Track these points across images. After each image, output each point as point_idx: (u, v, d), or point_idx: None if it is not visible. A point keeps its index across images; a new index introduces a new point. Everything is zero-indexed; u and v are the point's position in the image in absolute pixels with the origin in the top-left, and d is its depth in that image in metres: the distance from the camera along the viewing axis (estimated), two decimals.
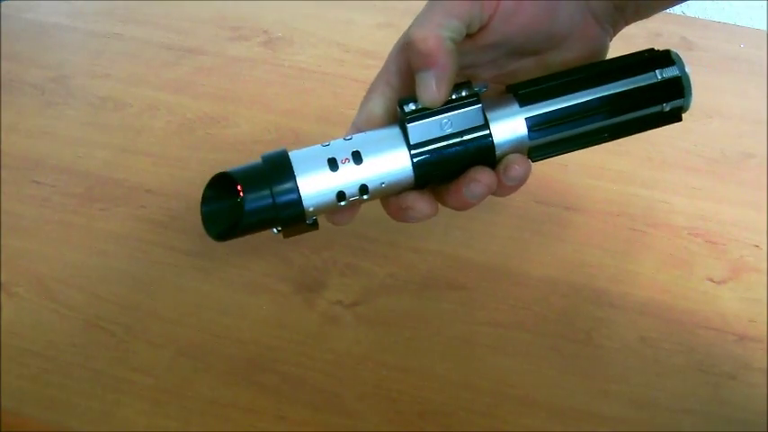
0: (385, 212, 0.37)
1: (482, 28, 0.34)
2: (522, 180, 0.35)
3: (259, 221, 0.34)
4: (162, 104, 0.60)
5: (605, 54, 0.38)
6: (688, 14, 0.84)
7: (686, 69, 0.36)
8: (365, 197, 0.35)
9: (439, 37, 0.32)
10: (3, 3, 0.73)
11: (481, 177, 0.34)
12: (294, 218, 0.34)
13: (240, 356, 0.42)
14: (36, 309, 0.44)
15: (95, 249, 0.47)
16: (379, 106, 0.36)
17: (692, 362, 0.42)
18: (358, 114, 0.36)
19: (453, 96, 0.34)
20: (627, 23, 0.38)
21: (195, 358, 0.41)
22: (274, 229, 0.35)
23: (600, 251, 0.49)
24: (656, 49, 0.37)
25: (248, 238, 0.48)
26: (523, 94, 0.35)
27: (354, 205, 0.36)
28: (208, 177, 0.52)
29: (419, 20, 0.33)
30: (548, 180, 0.54)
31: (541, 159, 0.37)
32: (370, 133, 0.35)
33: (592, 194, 0.53)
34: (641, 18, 0.38)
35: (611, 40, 0.38)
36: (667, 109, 0.37)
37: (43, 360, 0.41)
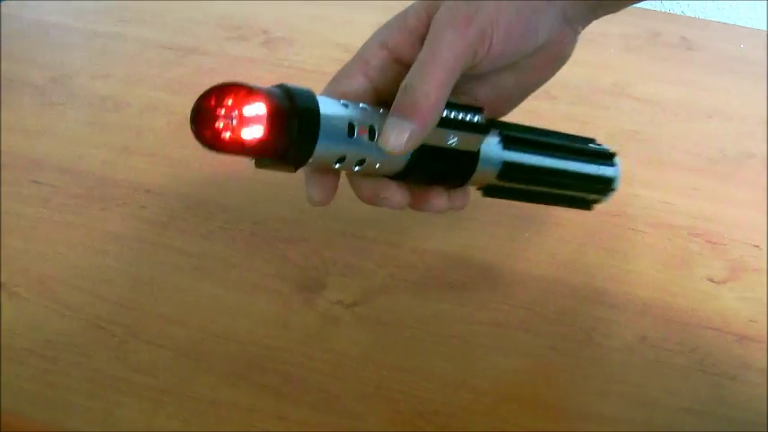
0: (382, 211, 0.37)
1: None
2: (461, 209, 0.39)
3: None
4: (162, 104, 0.60)
5: (572, 50, 0.39)
6: (688, 14, 0.84)
7: (618, 175, 0.42)
8: (356, 169, 0.34)
9: (439, 98, 0.32)
10: (3, 3, 0.73)
11: (437, 203, 0.37)
12: (303, 155, 0.32)
13: (240, 356, 0.42)
14: (36, 309, 0.44)
15: (95, 249, 0.47)
16: (353, 96, 0.35)
17: (693, 362, 0.42)
18: (328, 92, 0.35)
19: (468, 118, 0.35)
20: (597, 18, 0.39)
21: (195, 358, 0.41)
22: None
23: (600, 251, 0.49)
24: (604, 148, 0.43)
25: (249, 238, 0.48)
26: (509, 138, 0.38)
27: (337, 174, 0.35)
28: (208, 177, 0.53)
29: (422, 67, 0.32)
30: None
31: (490, 197, 0.40)
32: (384, 112, 0.34)
33: None
34: (612, 12, 0.39)
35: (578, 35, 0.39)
36: (590, 198, 0.43)
37: (43, 360, 0.41)
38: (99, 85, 0.63)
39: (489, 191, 0.40)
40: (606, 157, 0.42)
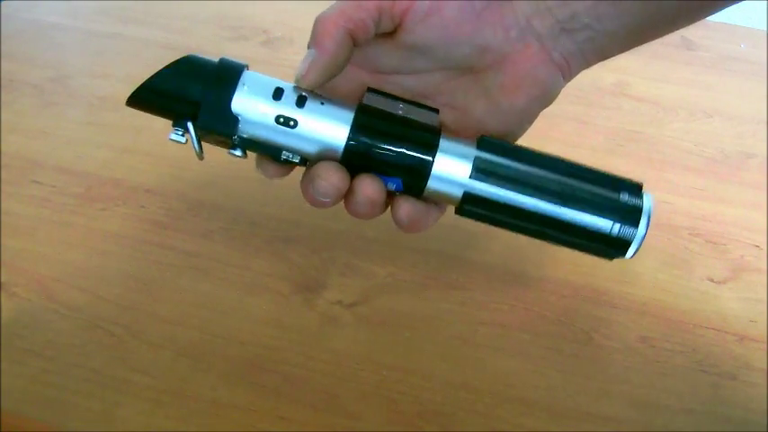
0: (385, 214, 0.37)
1: (399, 27, 0.33)
2: (405, 224, 0.34)
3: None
4: None
5: (553, 90, 0.35)
6: None
7: (643, 233, 0.33)
8: (296, 158, 0.33)
9: (336, 24, 0.32)
10: (3, 3, 0.72)
11: (367, 189, 0.33)
12: (221, 115, 0.32)
13: (240, 356, 0.42)
14: (36, 309, 0.44)
15: (95, 249, 0.47)
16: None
17: (693, 362, 0.42)
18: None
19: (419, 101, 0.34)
20: (587, 60, 0.35)
21: (195, 358, 0.41)
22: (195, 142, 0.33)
23: None
24: (633, 193, 0.34)
25: (249, 238, 0.48)
26: (482, 166, 0.33)
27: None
28: (208, 177, 0.53)
29: (333, 5, 0.33)
30: None
31: (467, 217, 0.35)
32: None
33: None
34: (606, 57, 0.35)
35: (566, 77, 0.35)
36: (604, 252, 0.35)
37: (43, 360, 0.41)
38: (98, 84, 0.63)
39: (459, 212, 0.35)
40: (628, 216, 0.33)
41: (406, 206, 0.34)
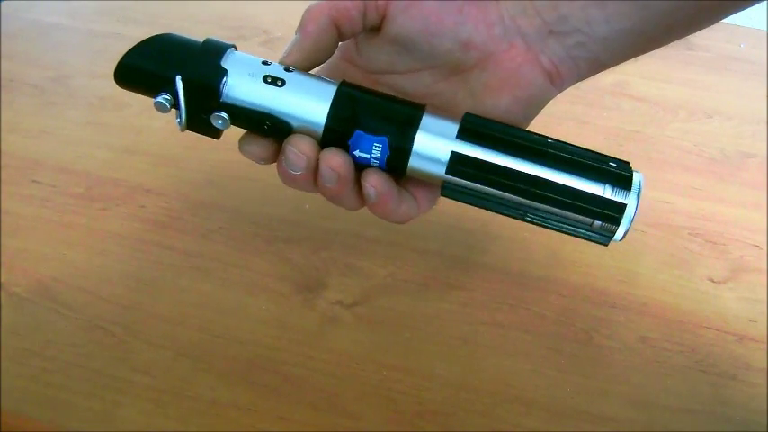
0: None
1: (383, 19, 0.34)
2: (373, 200, 0.33)
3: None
4: None
5: (540, 95, 0.35)
6: None
7: (635, 202, 0.32)
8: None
9: (321, 11, 0.33)
10: (3, 3, 0.73)
11: (333, 160, 0.33)
12: (211, 79, 0.32)
13: (240, 356, 0.42)
14: (36, 309, 0.44)
15: (95, 249, 0.47)
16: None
17: (693, 362, 0.43)
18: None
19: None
20: (579, 68, 0.34)
21: (195, 358, 0.41)
22: (182, 118, 0.34)
23: (600, 251, 0.49)
24: (623, 166, 0.33)
25: (249, 238, 0.48)
26: (468, 128, 0.32)
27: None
28: (208, 177, 0.53)
29: None
30: None
31: (448, 198, 0.34)
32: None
33: None
34: (601, 68, 0.34)
35: (556, 84, 0.35)
36: (596, 225, 0.33)
37: (43, 360, 0.41)
38: (99, 85, 0.63)
39: (444, 190, 0.33)
40: (618, 178, 0.32)
41: (373, 177, 0.33)
